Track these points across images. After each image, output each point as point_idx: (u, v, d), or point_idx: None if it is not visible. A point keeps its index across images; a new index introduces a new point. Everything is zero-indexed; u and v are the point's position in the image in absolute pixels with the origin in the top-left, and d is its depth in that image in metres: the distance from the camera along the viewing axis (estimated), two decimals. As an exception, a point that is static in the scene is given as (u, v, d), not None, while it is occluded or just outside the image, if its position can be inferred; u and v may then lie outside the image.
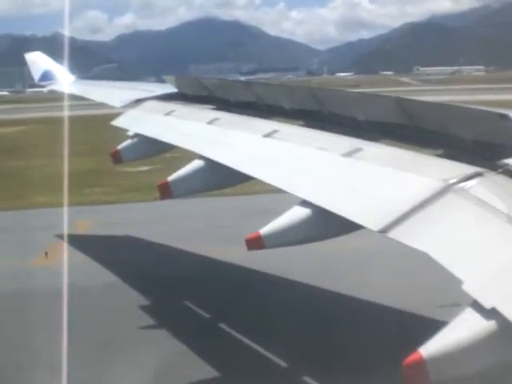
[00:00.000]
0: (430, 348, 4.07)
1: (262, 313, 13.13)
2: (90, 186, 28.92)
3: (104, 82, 21.50)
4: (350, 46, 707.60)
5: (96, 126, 40.46)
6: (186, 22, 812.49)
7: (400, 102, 7.21)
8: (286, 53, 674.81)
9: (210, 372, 10.99)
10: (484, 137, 6.15)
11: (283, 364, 11.25)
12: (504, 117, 5.64)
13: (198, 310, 14.14)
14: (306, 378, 10.80)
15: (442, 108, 6.90)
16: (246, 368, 10.92)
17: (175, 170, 9.47)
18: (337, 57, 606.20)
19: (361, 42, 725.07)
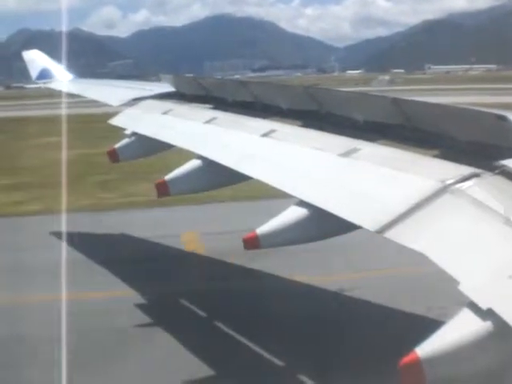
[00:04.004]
0: (426, 348, 4.06)
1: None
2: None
3: (102, 81, 21.52)
4: (367, 43, 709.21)
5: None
6: (201, 19, 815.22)
7: (397, 102, 7.17)
8: (303, 50, 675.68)
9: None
10: (481, 137, 6.14)
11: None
12: (501, 117, 5.61)
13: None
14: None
15: (440, 108, 6.86)
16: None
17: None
18: (354, 54, 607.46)
19: (378, 39, 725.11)
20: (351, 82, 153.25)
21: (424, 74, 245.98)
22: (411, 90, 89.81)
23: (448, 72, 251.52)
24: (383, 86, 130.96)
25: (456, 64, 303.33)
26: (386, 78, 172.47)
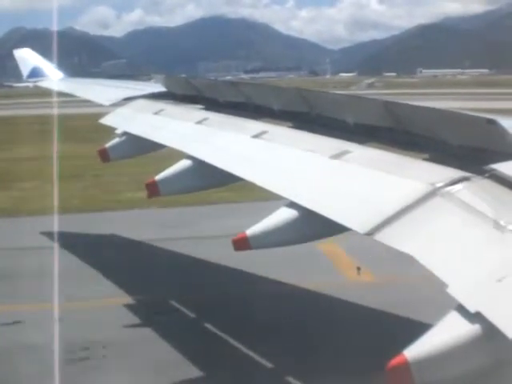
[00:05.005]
0: (414, 351, 4.04)
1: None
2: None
3: (93, 80, 21.49)
4: (362, 46, 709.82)
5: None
6: (195, 20, 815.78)
7: (388, 105, 7.16)
8: (298, 52, 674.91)
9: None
10: (471, 141, 6.15)
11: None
12: (491, 122, 5.60)
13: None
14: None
15: (430, 112, 6.84)
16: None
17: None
18: (349, 57, 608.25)
19: (373, 42, 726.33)
20: (330, 84, 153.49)
21: (412, 77, 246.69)
22: (387, 95, 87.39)
23: (435, 76, 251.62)
24: (362, 89, 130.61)
25: (450, 68, 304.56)
26: (369, 81, 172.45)
